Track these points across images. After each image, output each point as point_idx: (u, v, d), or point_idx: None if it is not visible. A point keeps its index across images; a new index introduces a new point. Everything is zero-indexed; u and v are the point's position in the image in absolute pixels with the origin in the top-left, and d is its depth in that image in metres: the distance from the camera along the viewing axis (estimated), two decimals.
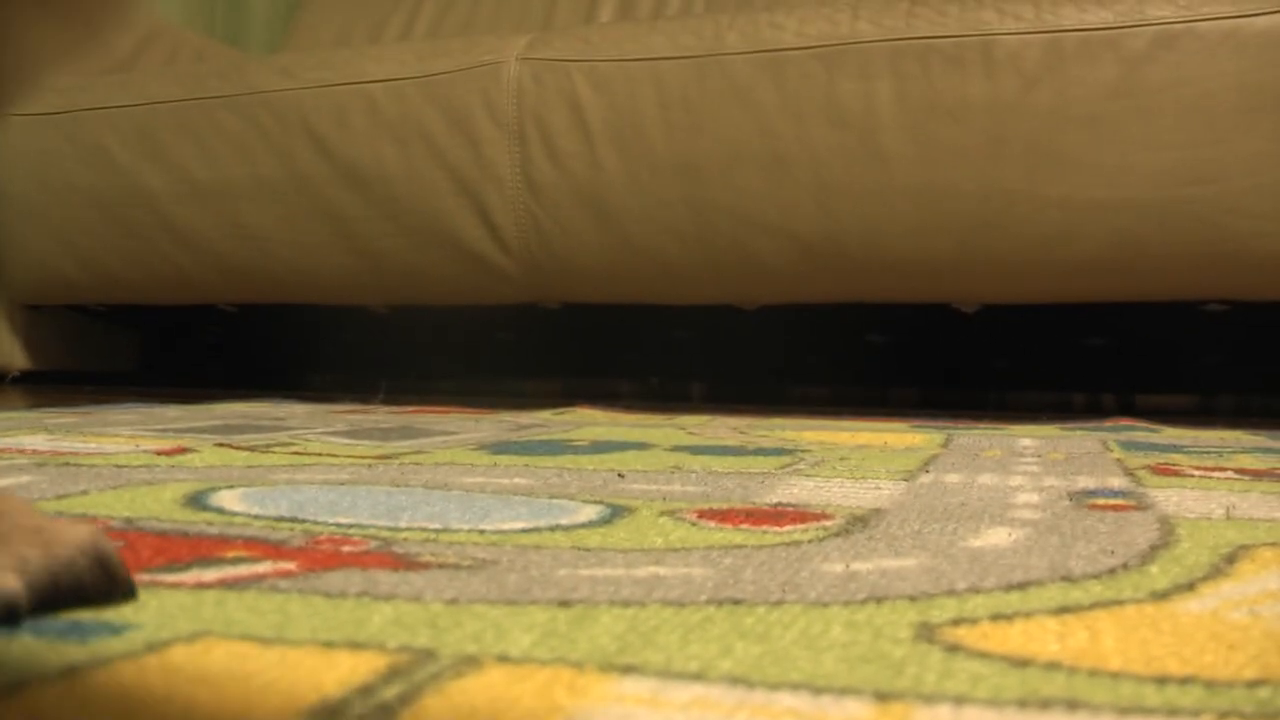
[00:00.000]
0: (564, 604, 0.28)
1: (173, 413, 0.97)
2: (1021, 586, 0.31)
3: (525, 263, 1.29)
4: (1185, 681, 0.22)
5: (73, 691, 0.20)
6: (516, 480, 0.52)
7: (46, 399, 1.27)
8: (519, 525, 0.40)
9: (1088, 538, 0.38)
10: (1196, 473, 0.59)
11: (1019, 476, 0.56)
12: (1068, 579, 0.32)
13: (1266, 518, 0.43)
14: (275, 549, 0.34)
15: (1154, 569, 0.33)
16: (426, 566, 0.32)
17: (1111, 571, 0.33)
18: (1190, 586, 0.31)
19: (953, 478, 0.55)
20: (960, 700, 0.21)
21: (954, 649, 0.24)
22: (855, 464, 0.61)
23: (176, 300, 1.49)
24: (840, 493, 0.49)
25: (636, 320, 1.42)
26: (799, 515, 0.43)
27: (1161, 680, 0.22)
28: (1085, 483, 0.54)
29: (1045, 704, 0.21)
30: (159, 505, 0.43)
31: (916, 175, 1.14)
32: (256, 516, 0.40)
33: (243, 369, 1.87)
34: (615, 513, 0.43)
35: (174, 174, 1.41)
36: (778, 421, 0.98)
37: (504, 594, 0.29)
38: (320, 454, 0.63)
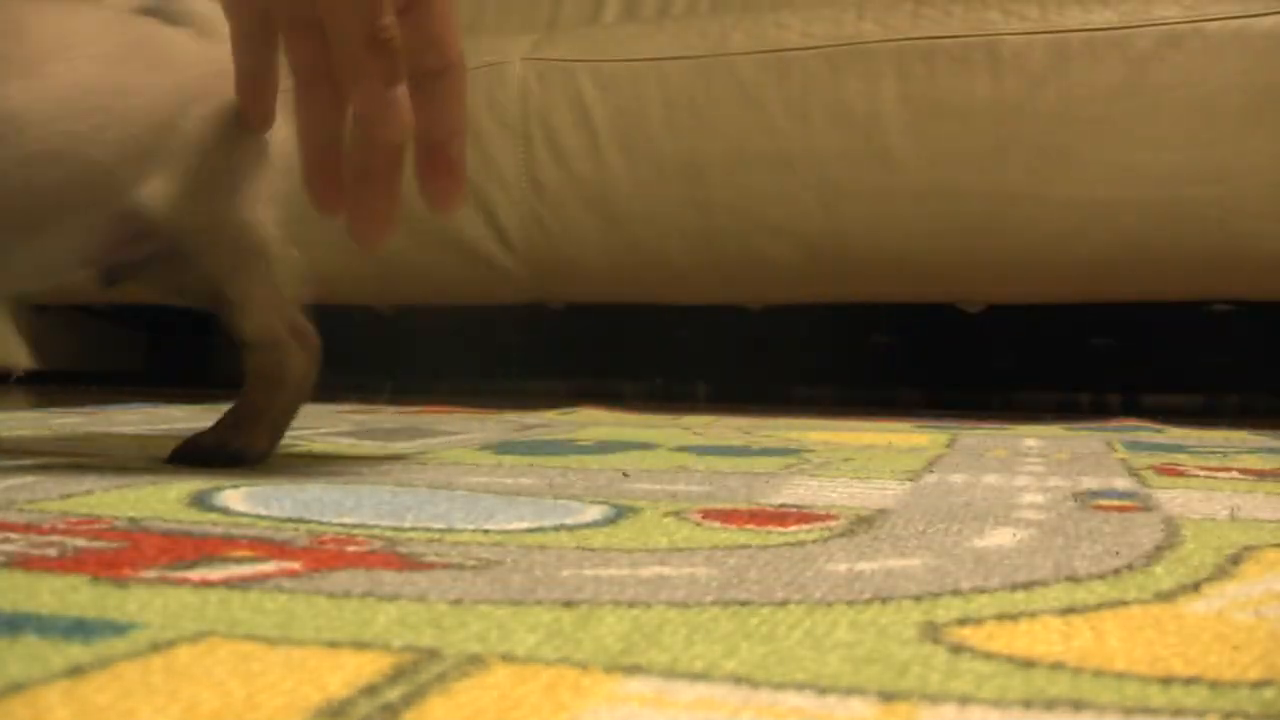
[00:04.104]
0: (568, 604, 0.28)
1: (178, 413, 0.97)
2: (1026, 587, 0.30)
3: (530, 263, 1.29)
4: (1190, 682, 0.22)
5: (76, 691, 0.20)
6: (521, 480, 0.52)
7: (51, 399, 1.27)
8: (524, 525, 0.40)
9: (1092, 538, 0.38)
10: (1201, 473, 0.59)
11: (1024, 477, 0.56)
12: (1073, 579, 0.31)
13: (1271, 518, 0.43)
14: (280, 549, 0.34)
15: (1159, 570, 0.33)
16: (431, 566, 0.32)
17: (1116, 572, 0.33)
18: (1195, 587, 0.31)
19: (957, 478, 0.55)
20: (965, 700, 0.21)
21: (959, 649, 0.24)
22: (860, 464, 0.61)
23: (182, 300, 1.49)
24: (845, 493, 0.49)
25: (641, 320, 1.42)
26: (804, 515, 0.43)
27: (1166, 681, 0.22)
28: (1090, 483, 0.54)
29: (1050, 704, 0.21)
30: (164, 505, 0.43)
31: (922, 175, 1.14)
32: (261, 516, 0.40)
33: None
34: (620, 513, 0.43)
35: None
36: (782, 422, 0.98)
37: (508, 594, 0.29)
38: (325, 454, 0.63)
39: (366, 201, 0.50)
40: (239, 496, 0.45)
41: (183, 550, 0.34)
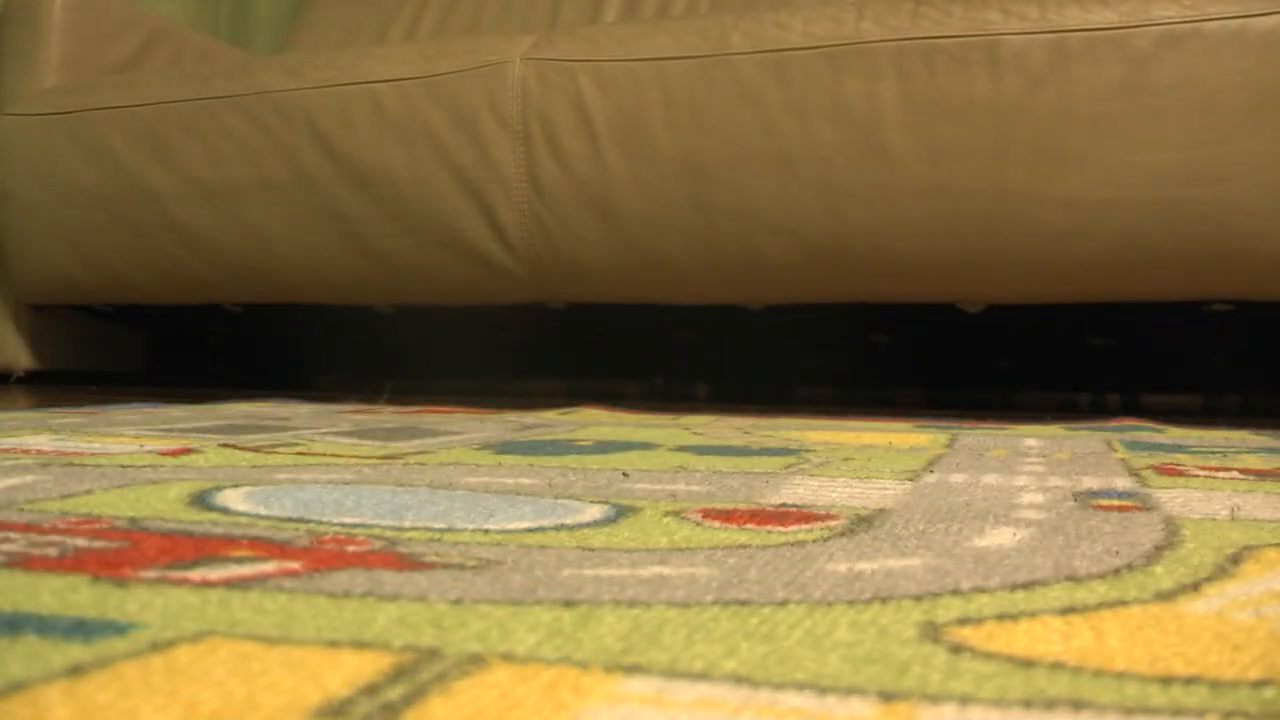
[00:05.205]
0: (569, 604, 0.28)
1: (178, 413, 0.97)
2: (1026, 586, 0.30)
3: (530, 263, 1.29)
4: (1190, 682, 0.22)
5: (76, 691, 0.20)
6: (521, 480, 0.52)
7: (51, 399, 1.27)
8: (523, 525, 0.40)
9: (1092, 538, 0.38)
10: (1201, 473, 0.59)
11: (1024, 476, 0.56)
12: (1073, 579, 0.31)
13: (1271, 518, 0.43)
14: (280, 549, 0.34)
15: (1159, 569, 0.33)
16: (431, 566, 0.32)
17: (1116, 572, 0.33)
18: (1195, 587, 0.31)
19: (957, 478, 0.55)
20: (965, 700, 0.21)
21: (959, 649, 0.24)
22: (860, 464, 0.61)
23: (182, 300, 1.49)
24: (845, 493, 0.49)
25: (641, 320, 1.42)
26: (804, 515, 0.43)
27: (1166, 680, 0.22)
28: (1090, 483, 0.54)
29: (1050, 704, 0.21)
30: (164, 505, 0.43)
31: (922, 175, 1.14)
32: (261, 516, 0.40)
33: (248, 369, 1.88)
34: (620, 512, 0.43)
35: (180, 174, 1.41)
36: (782, 421, 0.98)
37: (508, 594, 0.29)
38: (325, 454, 0.63)
39: None
40: (239, 496, 0.45)
41: (183, 550, 0.34)
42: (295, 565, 0.32)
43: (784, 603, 0.28)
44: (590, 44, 1.26)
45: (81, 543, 0.35)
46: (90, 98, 1.47)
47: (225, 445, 0.67)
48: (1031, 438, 0.82)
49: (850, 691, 0.21)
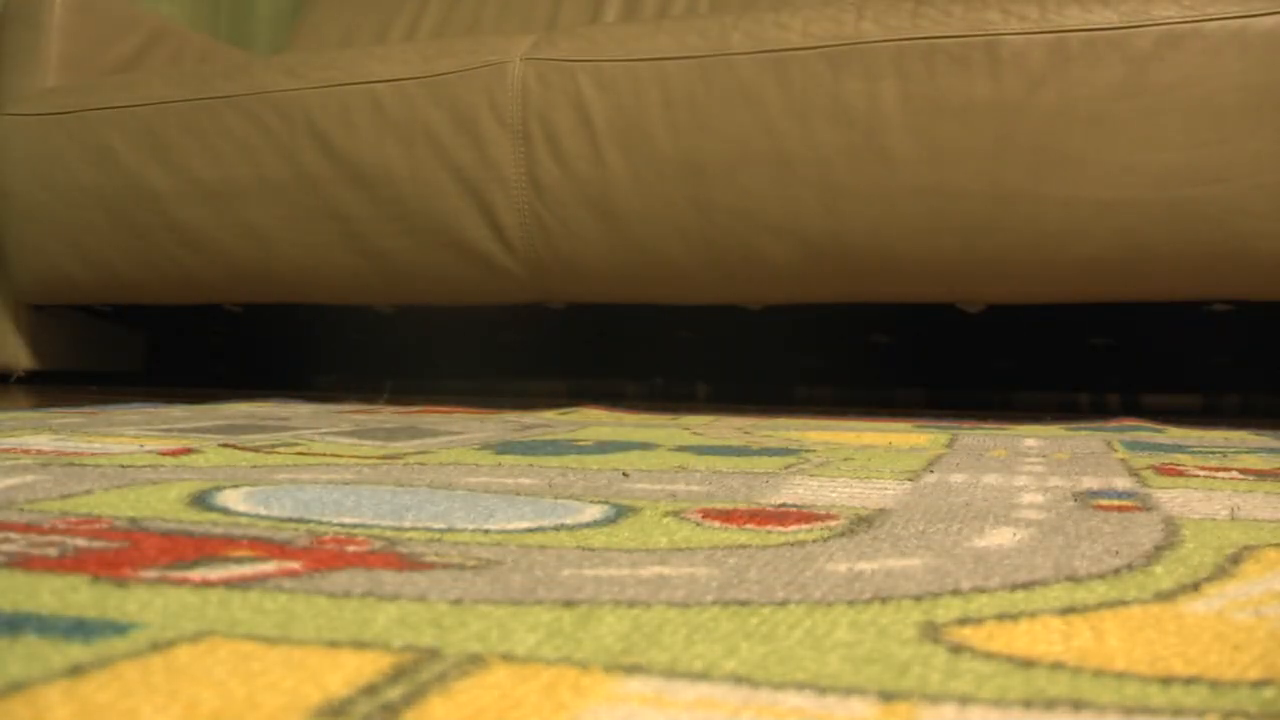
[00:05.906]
0: (569, 604, 0.28)
1: (178, 413, 0.97)
2: (1026, 586, 0.30)
3: (530, 263, 1.29)
4: (1190, 682, 0.22)
5: (76, 691, 0.20)
6: (521, 480, 0.52)
7: (51, 399, 1.27)
8: (523, 525, 0.40)
9: (1092, 538, 0.38)
10: (1201, 473, 0.59)
11: (1024, 477, 0.56)
12: (1073, 579, 0.31)
13: (1271, 518, 0.43)
14: (280, 549, 0.34)
15: (1159, 569, 0.33)
16: (431, 566, 0.32)
17: (1116, 572, 0.33)
18: (1195, 587, 0.31)
19: (957, 478, 0.55)
20: (965, 700, 0.21)
21: (959, 649, 0.24)
22: (860, 464, 0.61)
23: (182, 300, 1.49)
24: (845, 493, 0.49)
25: (641, 320, 1.42)
26: (804, 515, 0.43)
27: (1166, 680, 0.22)
28: (1090, 483, 0.54)
29: (1050, 704, 0.21)
30: (164, 505, 0.43)
31: (921, 175, 1.14)
32: (261, 516, 0.40)
33: (248, 369, 1.88)
34: (620, 513, 0.43)
35: (179, 174, 1.41)
36: (782, 422, 0.98)
37: (509, 594, 0.29)
38: (325, 454, 0.63)
39: None
40: (239, 496, 0.45)
41: (183, 550, 0.34)
42: (295, 565, 0.32)
43: (784, 603, 0.28)
44: (590, 44, 1.26)
45: (81, 543, 0.35)
46: (90, 98, 1.47)
47: (225, 445, 0.67)
48: (1031, 438, 0.82)
49: (850, 691, 0.21)
